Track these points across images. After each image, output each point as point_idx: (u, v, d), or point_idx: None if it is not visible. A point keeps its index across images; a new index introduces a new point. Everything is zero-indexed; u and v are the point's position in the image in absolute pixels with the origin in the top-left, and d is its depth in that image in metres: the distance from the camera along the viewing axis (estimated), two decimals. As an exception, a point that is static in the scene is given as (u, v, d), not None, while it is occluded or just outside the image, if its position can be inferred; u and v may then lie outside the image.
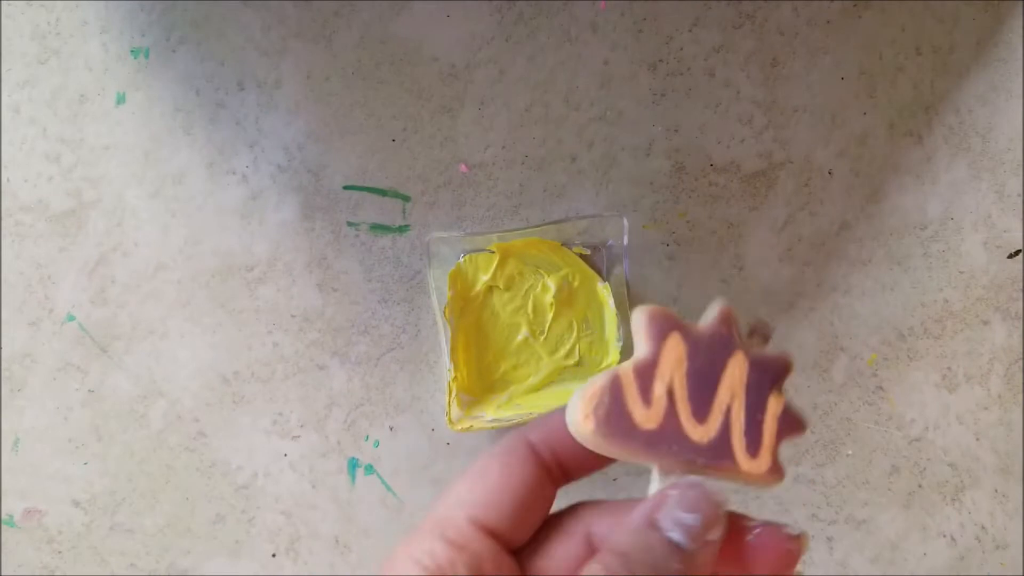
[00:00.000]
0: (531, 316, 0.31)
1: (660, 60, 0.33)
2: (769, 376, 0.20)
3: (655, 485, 0.20)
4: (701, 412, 0.20)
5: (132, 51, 0.33)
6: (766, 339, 0.21)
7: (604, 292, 0.32)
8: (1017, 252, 0.34)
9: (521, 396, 0.31)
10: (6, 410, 0.33)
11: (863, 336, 0.33)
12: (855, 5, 0.33)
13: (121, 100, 0.33)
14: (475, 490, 0.20)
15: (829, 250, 0.33)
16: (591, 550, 0.21)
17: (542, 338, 0.31)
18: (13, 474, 0.32)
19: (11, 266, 0.33)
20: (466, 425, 0.30)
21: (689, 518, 0.19)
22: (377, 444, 0.32)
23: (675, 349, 0.20)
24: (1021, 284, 0.34)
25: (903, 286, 0.33)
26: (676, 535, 0.19)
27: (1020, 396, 0.33)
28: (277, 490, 0.32)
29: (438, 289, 0.30)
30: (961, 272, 0.33)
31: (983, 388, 0.33)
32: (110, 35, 0.33)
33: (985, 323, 0.33)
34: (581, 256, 0.32)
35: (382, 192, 0.33)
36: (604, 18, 0.33)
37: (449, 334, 0.30)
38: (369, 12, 0.33)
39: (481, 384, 0.31)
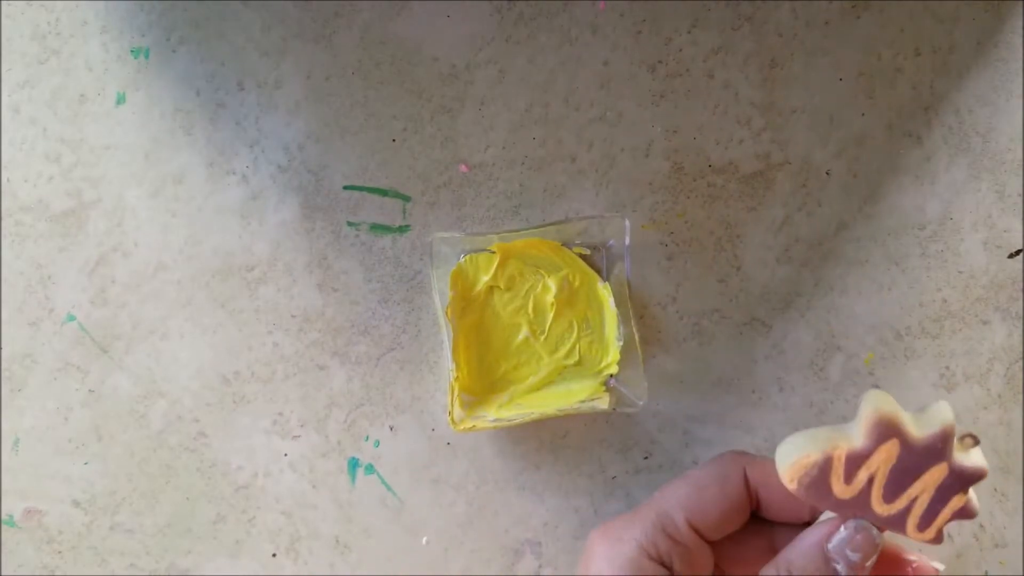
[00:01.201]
0: (532, 316, 0.32)
1: (659, 61, 0.34)
2: (961, 483, 0.25)
3: (830, 513, 0.26)
4: (891, 496, 0.25)
5: (132, 51, 0.34)
6: (975, 443, 0.25)
7: (604, 292, 0.33)
8: (1017, 252, 0.35)
9: (522, 396, 0.32)
10: (6, 410, 0.34)
11: (860, 335, 0.34)
12: (853, 6, 0.34)
13: (121, 100, 0.34)
14: (694, 499, 0.27)
15: (827, 250, 0.34)
16: (771, 548, 0.28)
17: (543, 338, 0.32)
18: (13, 474, 0.33)
19: (11, 266, 0.34)
20: (469, 425, 0.31)
21: (855, 556, 0.25)
22: (377, 444, 0.33)
23: (889, 451, 0.24)
24: (1021, 284, 0.35)
25: (901, 286, 0.34)
26: (841, 568, 0.25)
27: (1020, 396, 0.34)
28: (277, 490, 0.33)
29: (439, 289, 0.31)
30: (960, 272, 0.34)
31: (982, 388, 0.34)
32: (110, 35, 0.34)
33: (985, 323, 0.34)
34: (581, 256, 0.33)
35: (382, 192, 0.34)
36: (604, 19, 0.34)
37: (451, 334, 0.31)
38: (369, 12, 0.34)
39: (482, 384, 0.32)
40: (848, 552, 0.25)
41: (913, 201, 0.34)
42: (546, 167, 0.34)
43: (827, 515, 0.26)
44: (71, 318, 0.34)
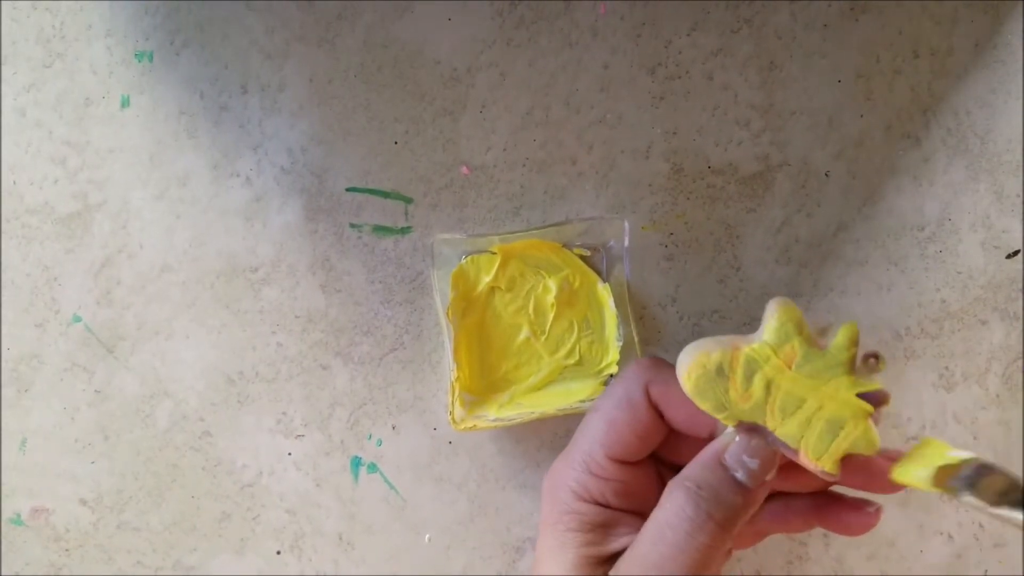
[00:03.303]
0: (532, 316, 0.34)
1: (659, 64, 0.35)
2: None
3: (728, 429, 0.25)
4: (788, 409, 0.24)
5: (136, 55, 0.35)
6: (877, 367, 0.25)
7: (604, 293, 0.34)
8: (1015, 252, 0.36)
9: (523, 395, 0.33)
10: (14, 410, 0.35)
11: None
12: (852, 8, 0.35)
13: (126, 103, 0.35)
14: (609, 434, 0.28)
15: (826, 251, 0.35)
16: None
17: (543, 338, 0.34)
18: (20, 473, 0.35)
19: (18, 268, 0.35)
20: (469, 424, 0.32)
21: (752, 462, 0.25)
22: (380, 443, 0.35)
23: (788, 354, 0.24)
24: (1020, 284, 0.36)
25: (900, 286, 0.35)
26: (740, 475, 0.25)
27: (1019, 396, 0.36)
28: (281, 488, 0.35)
29: (441, 290, 0.33)
30: (959, 272, 0.36)
31: (981, 388, 0.36)
32: (114, 39, 0.35)
33: (983, 323, 0.36)
34: (581, 257, 0.34)
35: (384, 194, 0.35)
36: (604, 22, 0.35)
37: (452, 334, 0.33)
38: (371, 15, 0.35)
39: (483, 384, 0.34)
40: (745, 459, 0.25)
41: (912, 202, 0.36)
42: (547, 169, 0.35)
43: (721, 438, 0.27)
44: (77, 319, 0.35)
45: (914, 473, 0.24)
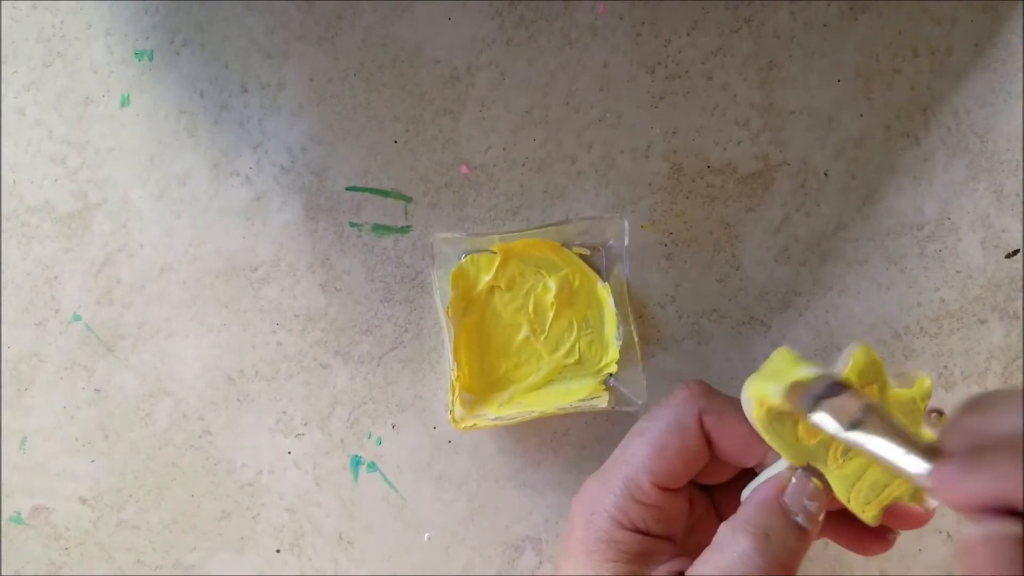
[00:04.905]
0: (532, 316, 0.34)
1: (659, 63, 0.35)
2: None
3: (781, 464, 0.26)
4: (850, 453, 0.25)
5: (136, 54, 0.35)
6: (939, 423, 0.25)
7: (604, 292, 0.34)
8: (1015, 252, 0.36)
9: (522, 394, 0.34)
10: (14, 409, 0.35)
11: (859, 335, 0.36)
12: (851, 8, 0.36)
13: (126, 102, 0.35)
14: (657, 460, 0.27)
15: (825, 250, 0.36)
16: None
17: (543, 337, 0.34)
18: (20, 472, 0.35)
19: (18, 267, 0.35)
20: (469, 424, 0.32)
21: (812, 505, 0.25)
22: (380, 442, 0.35)
23: (869, 395, 0.24)
24: (1019, 284, 0.36)
25: (899, 286, 0.36)
26: (801, 519, 0.25)
27: (1019, 395, 0.36)
28: (281, 487, 0.35)
29: (441, 289, 0.33)
30: (958, 272, 0.36)
31: (980, 387, 0.36)
32: (114, 38, 0.35)
33: (982, 322, 0.36)
34: (581, 256, 0.34)
35: (384, 193, 0.35)
36: (604, 22, 0.35)
37: (452, 334, 0.33)
38: (371, 15, 0.35)
39: (483, 383, 0.34)
40: (805, 502, 0.25)
41: (911, 201, 0.36)
42: (546, 168, 0.36)
43: (769, 471, 0.27)
44: (77, 318, 0.35)
45: (766, 388, 0.24)
